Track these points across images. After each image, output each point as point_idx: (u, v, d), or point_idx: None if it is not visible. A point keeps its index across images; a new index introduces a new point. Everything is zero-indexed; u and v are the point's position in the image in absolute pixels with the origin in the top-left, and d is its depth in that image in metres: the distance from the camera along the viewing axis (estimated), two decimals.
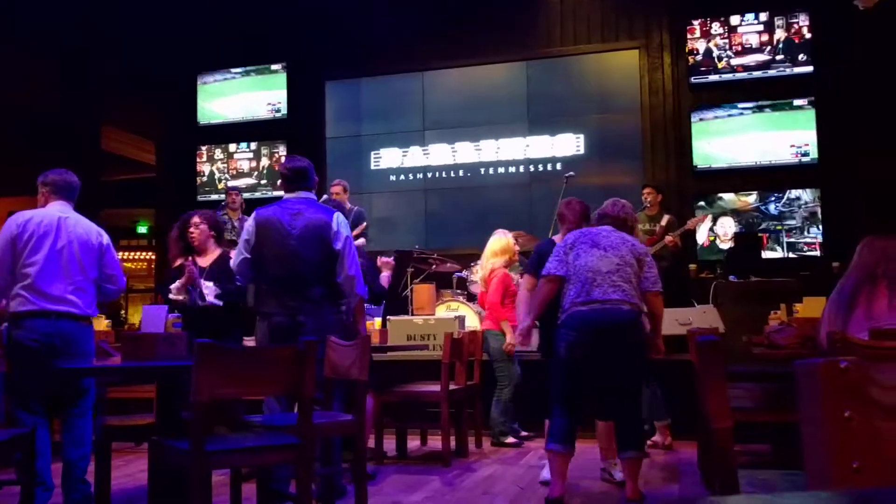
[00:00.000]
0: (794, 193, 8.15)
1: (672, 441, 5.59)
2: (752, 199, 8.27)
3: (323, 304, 4.01)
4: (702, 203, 8.35)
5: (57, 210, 3.99)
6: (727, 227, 8.23)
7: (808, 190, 8.12)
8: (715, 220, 8.32)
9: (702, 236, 8.31)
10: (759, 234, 8.08)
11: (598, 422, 4.45)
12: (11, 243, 3.82)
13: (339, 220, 4.08)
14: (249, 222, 4.12)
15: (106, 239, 4.08)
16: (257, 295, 4.07)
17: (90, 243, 3.97)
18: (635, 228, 4.31)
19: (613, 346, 3.76)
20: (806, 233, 8.08)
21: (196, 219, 4.88)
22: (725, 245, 8.17)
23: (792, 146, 8.17)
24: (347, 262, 4.02)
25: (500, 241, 6.03)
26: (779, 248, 8.13)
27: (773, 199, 8.19)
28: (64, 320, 3.82)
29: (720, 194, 8.34)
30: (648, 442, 5.59)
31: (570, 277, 3.85)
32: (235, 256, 4.14)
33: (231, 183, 9.76)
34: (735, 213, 8.30)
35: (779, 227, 8.14)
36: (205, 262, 4.82)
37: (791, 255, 8.05)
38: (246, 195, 8.84)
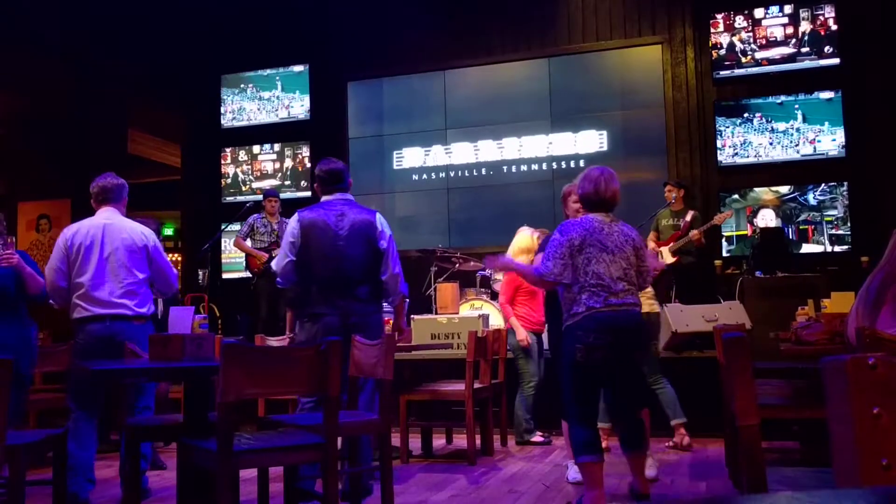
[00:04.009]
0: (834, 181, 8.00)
1: (691, 441, 5.48)
2: (784, 189, 8.13)
3: (370, 303, 4.08)
4: (736, 196, 8.25)
5: (102, 218, 4.18)
6: (768, 220, 8.11)
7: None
8: (756, 213, 8.18)
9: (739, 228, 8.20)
10: (803, 227, 7.97)
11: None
12: (65, 254, 4.09)
13: (381, 219, 4.17)
14: (293, 224, 4.11)
15: (152, 240, 4.25)
16: (306, 296, 4.07)
17: (135, 246, 4.16)
18: (618, 200, 3.89)
19: (629, 347, 3.70)
20: (850, 223, 7.90)
21: None
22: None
23: (819, 140, 8.06)
24: (392, 260, 4.12)
25: (526, 240, 6.00)
26: (824, 241, 7.95)
27: (811, 188, 8.06)
28: (117, 322, 4.06)
29: (753, 188, 8.22)
30: (669, 444, 5.49)
31: (584, 283, 3.66)
32: (279, 259, 4.14)
33: (255, 184, 9.84)
34: (775, 206, 8.13)
35: (826, 219, 7.94)
36: None
37: (837, 248, 7.86)
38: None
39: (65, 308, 4.21)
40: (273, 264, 4.32)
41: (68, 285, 4.09)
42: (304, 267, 4.05)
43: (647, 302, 5.16)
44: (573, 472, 4.47)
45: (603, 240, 3.72)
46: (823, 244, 7.94)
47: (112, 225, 4.14)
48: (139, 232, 4.21)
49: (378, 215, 4.19)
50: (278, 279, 4.21)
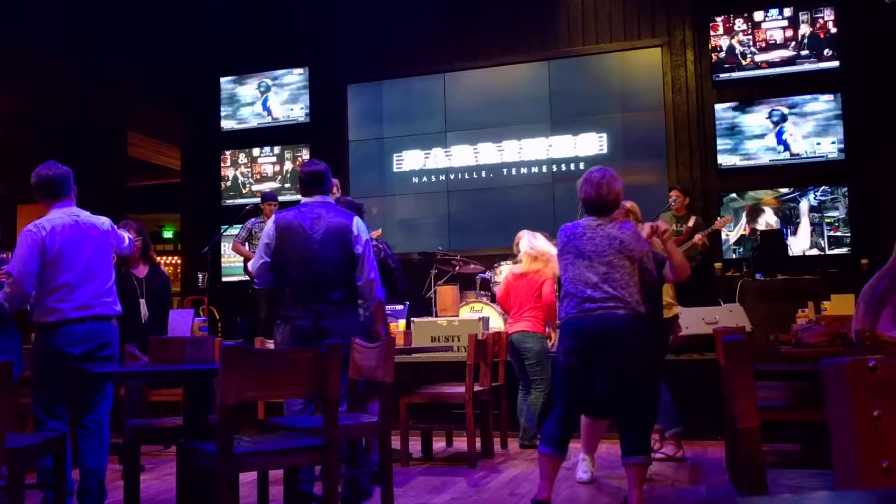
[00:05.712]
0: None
1: (684, 453, 5.17)
2: (784, 189, 8.12)
3: (344, 307, 4.04)
4: (734, 195, 8.24)
5: (67, 215, 3.95)
6: (768, 221, 8.09)
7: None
8: (756, 214, 8.17)
9: (736, 233, 8.19)
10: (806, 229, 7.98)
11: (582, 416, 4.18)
12: (41, 254, 3.82)
13: (358, 223, 4.12)
14: (269, 226, 4.12)
15: (108, 224, 4.10)
16: (279, 298, 4.10)
17: (106, 242, 4.05)
18: (621, 201, 3.89)
19: (608, 352, 3.60)
20: (850, 225, 7.88)
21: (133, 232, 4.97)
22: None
23: (818, 142, 8.07)
24: (367, 265, 4.06)
25: (544, 243, 5.96)
26: (824, 243, 7.94)
27: (811, 188, 8.04)
28: (98, 322, 3.92)
29: (753, 190, 8.22)
30: (660, 454, 5.12)
31: (565, 290, 3.74)
32: (255, 260, 4.16)
33: (255, 187, 9.84)
34: (774, 207, 8.12)
35: (826, 220, 7.92)
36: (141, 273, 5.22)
37: (837, 250, 7.84)
38: None
39: (21, 310, 4.00)
40: (249, 265, 4.30)
41: (39, 287, 3.85)
42: (279, 269, 4.05)
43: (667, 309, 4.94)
44: (582, 472, 4.47)
45: (581, 245, 3.71)
46: (823, 246, 7.94)
47: (83, 224, 3.96)
48: (99, 222, 4.05)
49: (356, 219, 4.13)
50: (255, 280, 4.22)
